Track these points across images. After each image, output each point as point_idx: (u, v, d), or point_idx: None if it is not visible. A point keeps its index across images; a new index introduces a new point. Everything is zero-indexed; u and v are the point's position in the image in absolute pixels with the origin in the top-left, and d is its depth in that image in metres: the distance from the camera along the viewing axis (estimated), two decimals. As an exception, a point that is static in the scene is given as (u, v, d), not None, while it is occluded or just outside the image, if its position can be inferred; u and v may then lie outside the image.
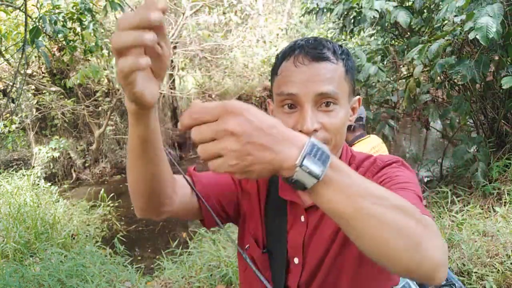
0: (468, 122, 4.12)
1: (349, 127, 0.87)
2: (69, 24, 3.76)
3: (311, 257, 0.82)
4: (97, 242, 4.40)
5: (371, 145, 2.26)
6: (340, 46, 0.80)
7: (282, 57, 0.80)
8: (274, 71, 0.82)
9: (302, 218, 0.85)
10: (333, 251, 0.81)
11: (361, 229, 0.50)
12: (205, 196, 0.81)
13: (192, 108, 0.48)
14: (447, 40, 3.17)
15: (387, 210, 0.50)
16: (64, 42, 3.91)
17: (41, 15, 3.14)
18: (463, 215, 3.15)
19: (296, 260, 0.84)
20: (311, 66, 0.75)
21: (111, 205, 5.75)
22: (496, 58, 3.29)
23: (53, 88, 6.82)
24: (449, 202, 3.49)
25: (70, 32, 3.81)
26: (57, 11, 3.50)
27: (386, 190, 0.53)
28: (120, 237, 4.29)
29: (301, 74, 0.75)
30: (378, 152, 2.23)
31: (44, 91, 6.72)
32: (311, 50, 0.76)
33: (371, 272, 0.80)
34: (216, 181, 0.88)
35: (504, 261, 2.43)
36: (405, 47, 4.12)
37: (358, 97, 0.86)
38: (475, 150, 3.56)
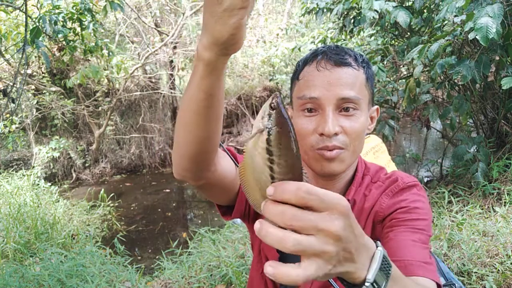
0: (468, 122, 4.11)
1: None
2: (69, 24, 3.77)
3: None
4: (97, 242, 4.40)
5: (371, 145, 2.24)
6: (361, 54, 0.81)
7: (304, 62, 0.81)
8: (295, 76, 0.82)
9: None
10: None
11: None
12: None
13: (302, 186, 0.41)
14: (447, 40, 3.17)
15: None
16: (64, 42, 3.91)
17: (41, 15, 3.15)
18: (463, 215, 3.15)
19: None
20: (333, 70, 0.75)
21: (111, 205, 5.76)
22: (497, 58, 3.29)
23: (53, 88, 6.82)
24: (448, 202, 3.49)
25: (70, 32, 3.82)
26: (57, 11, 3.50)
27: None
28: (120, 237, 4.28)
29: (323, 78, 0.75)
30: (378, 152, 2.22)
31: (44, 91, 6.72)
32: (333, 55, 0.76)
33: None
34: None
35: (504, 261, 2.43)
36: (405, 47, 4.12)
37: (376, 106, 0.86)
38: (475, 150, 3.56)
